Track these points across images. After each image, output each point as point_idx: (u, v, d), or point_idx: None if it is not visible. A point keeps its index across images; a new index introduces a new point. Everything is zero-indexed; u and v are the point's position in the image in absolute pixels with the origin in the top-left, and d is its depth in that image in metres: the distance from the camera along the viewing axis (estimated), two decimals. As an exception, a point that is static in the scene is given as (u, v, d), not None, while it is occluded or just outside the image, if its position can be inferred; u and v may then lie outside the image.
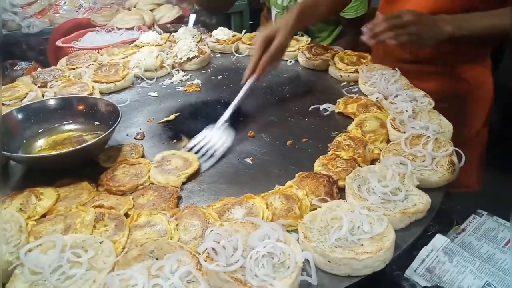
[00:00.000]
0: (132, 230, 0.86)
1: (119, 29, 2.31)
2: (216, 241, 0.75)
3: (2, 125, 1.06)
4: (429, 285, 0.78)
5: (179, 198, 1.00)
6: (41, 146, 1.16)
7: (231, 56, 1.89)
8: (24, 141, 1.14)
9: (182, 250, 0.77)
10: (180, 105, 1.49)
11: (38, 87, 1.49)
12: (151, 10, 2.56)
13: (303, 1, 1.49)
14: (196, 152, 1.17)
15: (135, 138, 1.28)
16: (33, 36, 2.89)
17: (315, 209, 0.90)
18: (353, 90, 1.52)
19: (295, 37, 1.92)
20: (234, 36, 1.96)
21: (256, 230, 0.79)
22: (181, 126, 1.36)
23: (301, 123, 1.35)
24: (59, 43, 2.09)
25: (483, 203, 1.12)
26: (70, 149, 1.05)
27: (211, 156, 1.16)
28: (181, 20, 2.57)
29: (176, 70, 1.75)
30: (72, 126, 1.22)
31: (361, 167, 1.04)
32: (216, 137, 1.21)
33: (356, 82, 1.56)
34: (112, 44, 1.93)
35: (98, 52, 1.83)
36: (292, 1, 2.26)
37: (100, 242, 0.79)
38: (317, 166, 1.07)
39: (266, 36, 1.34)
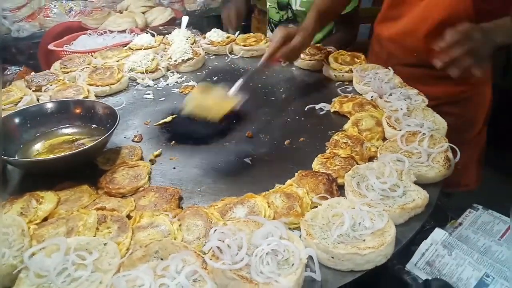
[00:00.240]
0: (135, 232, 0.86)
1: (111, 32, 2.31)
2: (220, 240, 0.75)
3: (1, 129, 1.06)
4: (429, 278, 0.79)
5: (180, 198, 1.01)
6: (38, 150, 1.16)
7: (225, 58, 1.90)
8: (21, 145, 1.14)
9: (187, 250, 0.78)
10: (176, 106, 1.49)
11: (33, 91, 1.49)
12: (143, 13, 2.56)
13: (318, 5, 1.53)
14: None
15: (133, 141, 1.28)
16: (23, 40, 2.87)
17: (316, 206, 0.92)
18: (347, 89, 1.54)
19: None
20: (228, 37, 1.97)
21: (259, 228, 0.80)
22: (178, 128, 1.36)
23: (297, 123, 1.36)
24: (51, 46, 2.08)
25: (478, 200, 1.15)
26: (69, 152, 1.05)
27: None
28: (173, 22, 2.58)
29: (171, 72, 1.75)
30: (70, 130, 1.22)
31: (359, 164, 1.05)
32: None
33: (350, 81, 1.58)
34: (105, 47, 1.92)
35: (92, 55, 1.83)
36: (285, 16, 2.29)
37: (105, 244, 0.79)
38: (316, 165, 1.08)
39: (287, 32, 1.39)
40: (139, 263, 0.76)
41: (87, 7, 3.02)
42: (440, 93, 1.41)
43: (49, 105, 1.21)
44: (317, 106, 1.42)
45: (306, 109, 1.42)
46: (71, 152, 1.04)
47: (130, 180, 1.05)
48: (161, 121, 1.38)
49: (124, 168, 1.09)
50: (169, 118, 1.40)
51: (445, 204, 1.21)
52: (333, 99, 1.43)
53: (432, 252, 0.83)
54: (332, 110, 1.39)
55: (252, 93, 1.57)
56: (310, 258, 0.77)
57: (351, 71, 1.58)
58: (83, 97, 1.42)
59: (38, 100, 1.45)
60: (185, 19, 2.24)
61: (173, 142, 1.27)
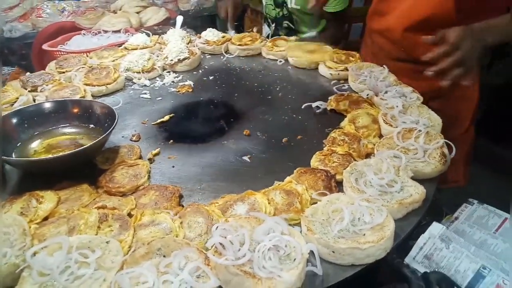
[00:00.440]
0: (137, 230, 0.86)
1: (105, 32, 2.30)
2: (223, 236, 0.76)
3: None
4: (428, 271, 0.81)
5: (181, 197, 1.01)
6: (36, 149, 1.15)
7: (221, 57, 1.91)
8: (19, 145, 1.13)
9: (189, 247, 0.79)
10: (173, 106, 1.50)
11: (29, 91, 1.48)
12: (137, 13, 2.56)
13: None
14: None
15: (131, 140, 1.28)
16: (15, 40, 2.84)
17: (316, 203, 0.93)
18: (343, 87, 1.56)
19: (284, 37, 1.95)
20: (223, 37, 1.97)
21: (261, 224, 0.81)
22: (176, 127, 1.36)
23: (294, 121, 1.37)
24: (45, 47, 2.07)
25: (471, 195, 1.17)
26: (68, 152, 1.05)
27: None
28: (167, 22, 2.58)
29: (167, 72, 1.75)
30: (67, 129, 1.21)
31: (357, 161, 1.07)
32: None
33: (345, 80, 1.60)
34: (101, 47, 1.92)
35: (87, 55, 1.82)
36: (280, 13, 2.30)
37: (107, 242, 0.80)
38: (314, 162, 1.10)
39: None
40: (142, 261, 0.77)
41: (80, 7, 3.00)
42: (426, 87, 1.44)
43: (47, 105, 1.21)
44: (314, 104, 1.43)
45: (302, 107, 1.43)
46: (71, 151, 1.04)
47: (129, 179, 1.05)
48: (159, 121, 1.39)
49: (124, 167, 1.09)
50: (166, 118, 1.40)
51: (439, 200, 1.24)
52: (329, 97, 1.44)
53: (430, 246, 0.85)
54: (328, 108, 1.41)
55: (249, 91, 1.59)
56: (311, 253, 0.79)
57: (346, 69, 1.59)
58: (80, 97, 1.42)
59: (34, 100, 1.45)
60: (179, 19, 2.24)
61: (171, 141, 1.28)
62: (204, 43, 1.93)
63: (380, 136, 1.22)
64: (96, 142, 1.07)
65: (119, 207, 0.93)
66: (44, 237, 0.84)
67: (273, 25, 2.42)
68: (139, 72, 1.66)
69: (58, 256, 0.75)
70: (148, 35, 1.97)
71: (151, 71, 1.69)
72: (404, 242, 0.89)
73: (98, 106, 1.22)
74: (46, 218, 0.92)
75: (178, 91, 1.60)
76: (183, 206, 0.97)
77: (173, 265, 0.74)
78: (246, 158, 1.17)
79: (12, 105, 1.38)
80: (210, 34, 1.97)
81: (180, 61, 1.74)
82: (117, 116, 1.16)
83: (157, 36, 2.01)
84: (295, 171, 1.05)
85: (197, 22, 3.16)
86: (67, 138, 1.19)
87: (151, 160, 1.17)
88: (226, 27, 2.19)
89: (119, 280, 0.71)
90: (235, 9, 2.24)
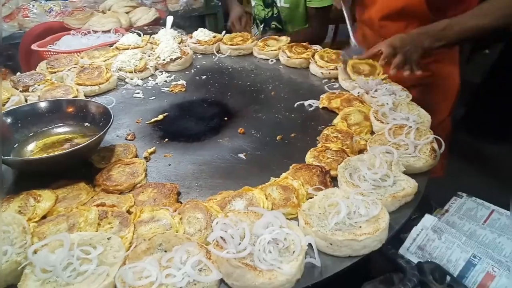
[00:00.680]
0: (137, 226, 0.87)
1: (95, 32, 2.28)
2: (223, 231, 0.78)
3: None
4: (421, 261, 0.84)
5: (179, 194, 1.02)
6: (32, 149, 1.15)
7: (213, 57, 1.92)
8: (15, 145, 1.13)
9: (190, 242, 0.80)
10: (167, 105, 1.51)
11: (20, 91, 1.47)
12: (127, 13, 2.55)
13: None
14: None
15: (126, 139, 1.29)
16: (2, 40, 2.80)
17: (312, 197, 0.95)
18: (334, 86, 1.59)
19: (275, 36, 1.97)
20: (214, 37, 1.99)
21: (260, 219, 0.83)
22: (171, 126, 1.37)
23: (288, 119, 1.39)
24: (34, 47, 2.05)
25: (455, 189, 1.21)
26: (65, 151, 1.05)
27: None
28: (157, 22, 2.58)
29: (159, 71, 1.76)
30: (63, 129, 1.21)
31: (350, 157, 1.09)
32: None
33: (336, 78, 1.63)
34: (91, 47, 1.91)
35: (78, 55, 1.81)
36: (270, 13, 2.32)
37: (108, 238, 0.80)
38: (309, 158, 1.12)
39: None
40: (144, 256, 0.78)
41: (68, 7, 2.98)
42: (406, 77, 1.47)
43: (42, 105, 1.20)
44: (306, 103, 1.46)
45: (295, 105, 1.46)
46: (67, 150, 1.04)
47: (127, 177, 1.06)
48: (153, 120, 1.39)
49: (120, 166, 1.10)
50: (160, 117, 1.41)
51: (427, 194, 1.28)
52: (321, 96, 1.47)
53: (423, 237, 0.88)
54: (320, 106, 1.43)
55: (242, 90, 1.60)
56: (309, 245, 0.81)
57: (337, 68, 1.62)
58: (73, 97, 1.41)
59: (26, 100, 1.44)
60: (169, 19, 2.24)
61: (166, 139, 1.28)
62: (195, 43, 1.94)
63: (372, 132, 1.25)
64: (92, 141, 1.07)
65: (117, 205, 0.94)
66: (44, 235, 0.84)
67: (262, 26, 2.45)
68: (132, 72, 1.66)
69: (60, 253, 0.75)
70: (139, 35, 1.97)
71: (144, 70, 1.70)
72: (397, 234, 0.92)
73: (93, 106, 1.22)
74: (44, 217, 0.92)
75: (171, 90, 1.61)
76: (181, 203, 0.98)
77: (174, 259, 0.76)
78: (241, 155, 1.19)
79: (4, 105, 1.37)
80: (202, 34, 1.98)
81: (172, 60, 1.75)
82: (112, 115, 1.16)
83: (148, 36, 2.01)
84: (290, 167, 1.07)
85: (186, 22, 3.17)
86: (63, 138, 1.19)
87: (147, 159, 1.18)
88: (217, 27, 2.21)
89: (122, 275, 0.72)
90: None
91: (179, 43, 1.94)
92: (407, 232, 0.99)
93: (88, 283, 0.72)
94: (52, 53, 1.99)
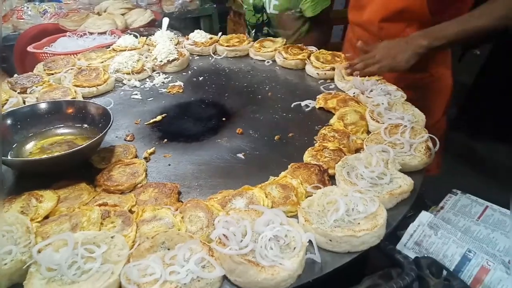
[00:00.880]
0: (140, 225, 0.88)
1: (91, 33, 2.29)
2: (225, 228, 0.79)
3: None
4: (419, 256, 0.86)
5: (179, 193, 1.03)
6: (31, 150, 1.16)
7: (210, 58, 1.94)
8: (14, 146, 1.13)
9: (193, 239, 0.81)
10: (165, 106, 1.52)
11: (18, 93, 1.47)
12: (122, 15, 2.55)
13: None
14: None
15: (125, 140, 1.30)
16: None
17: (310, 195, 0.97)
18: (330, 86, 1.61)
19: (271, 38, 2.00)
20: (211, 38, 2.00)
21: (261, 216, 0.84)
22: (169, 127, 1.39)
23: (285, 119, 1.41)
24: (30, 48, 2.05)
25: (448, 188, 1.24)
26: (65, 151, 1.05)
27: None
28: (153, 24, 2.59)
29: (156, 73, 1.77)
30: (62, 130, 1.22)
31: (347, 156, 1.12)
32: None
33: (332, 79, 1.66)
34: (88, 49, 1.92)
35: (75, 56, 1.82)
36: (261, 18, 2.35)
37: (112, 237, 0.81)
38: (307, 157, 1.14)
39: None
40: (147, 254, 0.79)
41: (63, 9, 2.98)
42: (400, 78, 1.54)
43: (41, 106, 1.21)
44: (303, 103, 1.48)
45: (292, 106, 1.48)
46: (68, 151, 1.05)
47: (127, 177, 1.07)
48: (152, 121, 1.40)
49: (121, 166, 1.11)
50: (159, 118, 1.42)
51: (422, 192, 1.30)
52: (318, 96, 1.49)
53: (419, 233, 0.90)
54: (317, 106, 1.46)
55: (239, 91, 1.62)
56: (309, 242, 0.82)
57: (332, 69, 1.65)
58: (71, 98, 1.42)
59: (24, 102, 1.44)
60: (165, 21, 2.25)
61: (165, 140, 1.30)
62: (192, 44, 1.96)
63: (368, 132, 1.28)
64: (92, 142, 1.08)
65: (119, 204, 0.95)
66: (47, 234, 0.85)
67: (253, 31, 2.48)
68: (129, 73, 1.67)
69: (65, 252, 0.76)
70: (136, 36, 1.98)
71: (141, 72, 1.71)
72: (394, 231, 0.94)
73: (92, 107, 1.23)
74: (46, 217, 0.93)
75: (169, 91, 1.62)
76: (182, 202, 0.99)
77: (178, 257, 0.77)
78: (240, 155, 1.21)
79: (2, 106, 1.37)
80: (198, 35, 2.00)
81: (169, 62, 1.76)
82: (112, 116, 1.17)
83: (145, 37, 2.02)
84: (289, 166, 1.09)
85: (181, 24, 3.19)
86: (62, 139, 1.20)
87: (147, 159, 1.19)
88: (212, 28, 2.23)
89: (127, 272, 0.73)
90: None
91: (176, 45, 1.95)
92: (403, 229, 1.02)
93: (93, 281, 0.73)
94: (48, 55, 1.99)
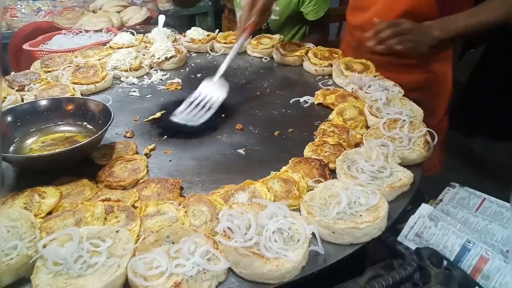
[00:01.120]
0: (143, 220, 0.89)
1: (87, 31, 2.28)
2: (230, 221, 0.80)
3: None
4: (419, 247, 0.88)
5: (181, 188, 1.04)
6: (32, 147, 1.15)
7: (207, 55, 1.94)
8: (14, 143, 1.13)
9: (197, 233, 0.82)
10: (163, 103, 1.52)
11: (16, 90, 1.46)
12: (118, 12, 2.55)
13: None
14: (196, 106, 1.33)
15: (125, 136, 1.30)
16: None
17: (312, 189, 0.98)
18: (328, 83, 1.63)
19: (268, 35, 2.00)
20: (208, 35, 2.00)
21: (264, 210, 0.85)
22: (169, 123, 1.38)
23: (284, 115, 1.42)
24: (26, 46, 2.04)
25: (444, 183, 1.26)
26: (67, 148, 1.06)
27: (209, 108, 1.31)
28: (149, 22, 2.58)
29: (154, 70, 1.77)
30: (62, 127, 1.22)
31: (347, 150, 1.13)
32: (212, 91, 1.35)
33: (330, 75, 1.67)
34: (85, 46, 1.91)
35: (72, 54, 1.81)
36: None
37: (116, 231, 0.82)
38: (307, 152, 1.15)
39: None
40: (152, 248, 0.80)
41: (57, 6, 2.97)
42: (406, 80, 1.52)
43: (41, 103, 1.21)
44: (302, 99, 1.49)
45: (291, 102, 1.49)
46: (69, 147, 1.05)
47: (129, 173, 1.07)
48: (151, 117, 1.41)
49: (122, 162, 1.11)
50: (158, 114, 1.42)
51: (421, 188, 1.32)
52: (316, 92, 1.50)
53: (420, 225, 0.92)
54: (316, 102, 1.47)
55: (237, 88, 1.63)
56: (312, 234, 0.83)
57: (330, 65, 1.66)
58: (70, 95, 1.42)
59: (22, 99, 1.44)
60: (161, 18, 2.25)
61: (165, 136, 1.30)
62: (189, 42, 1.96)
63: (367, 127, 1.29)
64: (92, 138, 1.08)
65: (122, 200, 0.95)
66: (52, 230, 0.85)
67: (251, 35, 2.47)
68: (127, 71, 1.67)
69: (70, 247, 0.77)
70: (132, 34, 1.98)
71: (139, 69, 1.71)
72: (394, 223, 0.96)
73: (92, 104, 1.23)
74: (49, 213, 0.93)
75: (167, 88, 1.62)
76: (184, 197, 1.00)
77: (183, 250, 0.78)
78: (241, 151, 1.21)
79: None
80: (195, 32, 2.00)
81: (167, 59, 1.76)
82: (112, 112, 1.17)
83: (142, 35, 2.02)
84: (290, 161, 1.10)
85: (176, 21, 3.19)
86: (62, 136, 1.20)
87: (147, 155, 1.19)
88: (207, 26, 2.23)
89: (133, 265, 0.74)
90: None
91: (173, 42, 1.95)
92: (403, 222, 1.03)
93: (99, 274, 0.73)
94: (44, 52, 1.98)
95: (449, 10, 1.42)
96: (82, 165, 1.12)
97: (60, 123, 1.23)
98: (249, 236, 0.79)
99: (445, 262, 0.84)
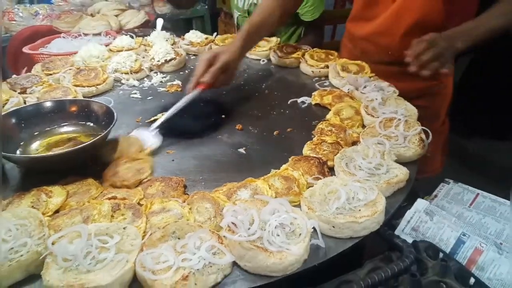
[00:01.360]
0: (149, 217, 0.91)
1: (86, 35, 2.30)
2: (234, 217, 0.83)
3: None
4: (416, 240, 0.91)
5: (185, 187, 1.07)
6: (37, 148, 1.17)
7: (206, 58, 1.97)
8: (21, 144, 1.15)
9: (202, 229, 0.85)
10: (164, 104, 1.54)
11: (18, 93, 1.48)
12: (116, 16, 2.57)
13: (249, 22, 1.54)
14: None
15: (127, 137, 1.32)
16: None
17: (312, 186, 1.01)
18: (324, 84, 1.66)
19: (265, 38, 2.03)
20: (206, 38, 2.04)
21: (266, 206, 0.88)
22: (170, 124, 1.41)
23: (283, 115, 1.46)
24: (26, 50, 2.06)
25: (437, 181, 1.29)
26: (72, 148, 1.08)
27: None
28: (147, 25, 2.61)
29: (154, 72, 1.80)
30: (66, 129, 1.24)
31: (345, 148, 1.16)
32: (145, 137, 1.25)
33: (326, 76, 1.70)
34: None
35: (72, 57, 1.83)
36: (252, 5, 2.37)
37: (124, 228, 0.84)
38: (306, 150, 1.18)
39: (211, 55, 1.42)
40: (159, 243, 0.82)
41: (55, 10, 2.98)
42: (410, 88, 1.52)
43: (45, 105, 1.23)
44: (299, 100, 1.52)
45: (289, 102, 1.52)
46: (74, 147, 1.07)
47: (133, 173, 1.09)
48: (152, 119, 1.43)
49: (127, 162, 1.13)
50: (159, 115, 1.45)
51: (415, 186, 1.36)
52: (313, 93, 1.54)
53: (416, 219, 0.95)
54: (313, 102, 1.50)
55: (235, 89, 1.66)
56: (313, 230, 0.86)
57: (327, 67, 1.70)
58: (73, 98, 1.44)
59: (25, 102, 1.46)
60: (160, 21, 2.28)
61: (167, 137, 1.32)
62: (188, 45, 1.99)
63: (363, 126, 1.33)
64: (98, 138, 1.10)
65: (128, 198, 0.98)
66: (60, 227, 0.88)
67: None
68: (127, 73, 1.70)
69: (79, 243, 0.79)
70: (132, 37, 2.00)
71: (139, 71, 1.73)
72: (391, 218, 0.99)
73: (95, 105, 1.26)
74: (57, 212, 0.95)
75: (168, 90, 1.65)
76: (188, 195, 1.02)
77: (188, 245, 0.80)
78: (241, 150, 1.24)
79: (3, 106, 1.39)
80: (194, 35, 2.03)
81: (167, 61, 1.79)
82: (115, 113, 1.20)
83: (141, 38, 2.05)
84: (289, 159, 1.13)
85: (173, 25, 3.22)
86: (66, 137, 1.22)
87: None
88: (204, 29, 2.25)
89: (142, 260, 0.77)
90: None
91: (172, 45, 1.98)
92: (399, 218, 1.07)
93: (108, 269, 0.76)
94: (44, 56, 2.00)
95: (453, 20, 1.40)
96: (85, 166, 1.14)
97: (64, 124, 1.25)
98: (253, 230, 0.82)
99: (441, 254, 0.87)
